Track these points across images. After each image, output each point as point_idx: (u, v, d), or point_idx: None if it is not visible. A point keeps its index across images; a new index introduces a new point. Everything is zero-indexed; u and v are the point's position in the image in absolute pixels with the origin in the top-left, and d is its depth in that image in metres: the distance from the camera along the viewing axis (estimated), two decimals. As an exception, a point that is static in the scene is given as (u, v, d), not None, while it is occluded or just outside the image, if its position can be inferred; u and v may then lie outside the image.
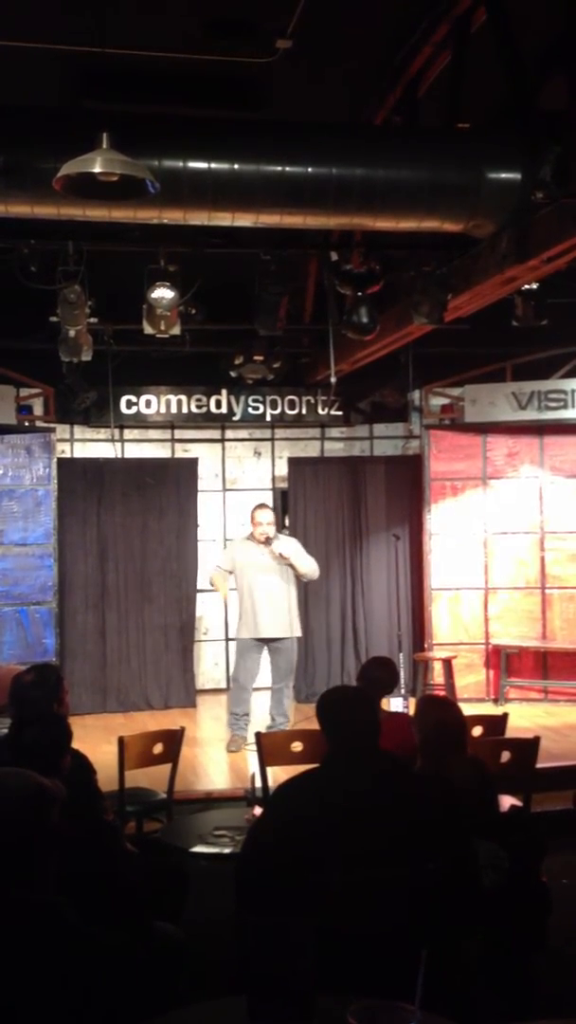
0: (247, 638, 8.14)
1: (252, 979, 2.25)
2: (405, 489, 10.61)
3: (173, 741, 5.64)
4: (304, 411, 10.77)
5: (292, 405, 10.73)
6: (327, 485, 10.67)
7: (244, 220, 5.72)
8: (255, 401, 10.62)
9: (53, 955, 2.30)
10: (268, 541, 8.08)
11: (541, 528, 10.12)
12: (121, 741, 5.37)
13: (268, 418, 10.72)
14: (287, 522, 10.70)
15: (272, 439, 11.09)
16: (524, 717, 8.87)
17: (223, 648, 10.79)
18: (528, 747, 5.26)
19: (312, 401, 10.75)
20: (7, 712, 4.68)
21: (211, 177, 5.40)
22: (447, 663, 9.64)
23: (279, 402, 10.68)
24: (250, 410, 10.63)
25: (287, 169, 5.47)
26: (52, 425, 9.85)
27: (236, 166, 5.41)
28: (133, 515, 10.20)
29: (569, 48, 5.33)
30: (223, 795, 6.78)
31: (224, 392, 10.52)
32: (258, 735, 5.59)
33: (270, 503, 10.75)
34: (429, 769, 3.84)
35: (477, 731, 5.59)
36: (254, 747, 5.69)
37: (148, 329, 7.72)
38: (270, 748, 5.48)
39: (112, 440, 10.48)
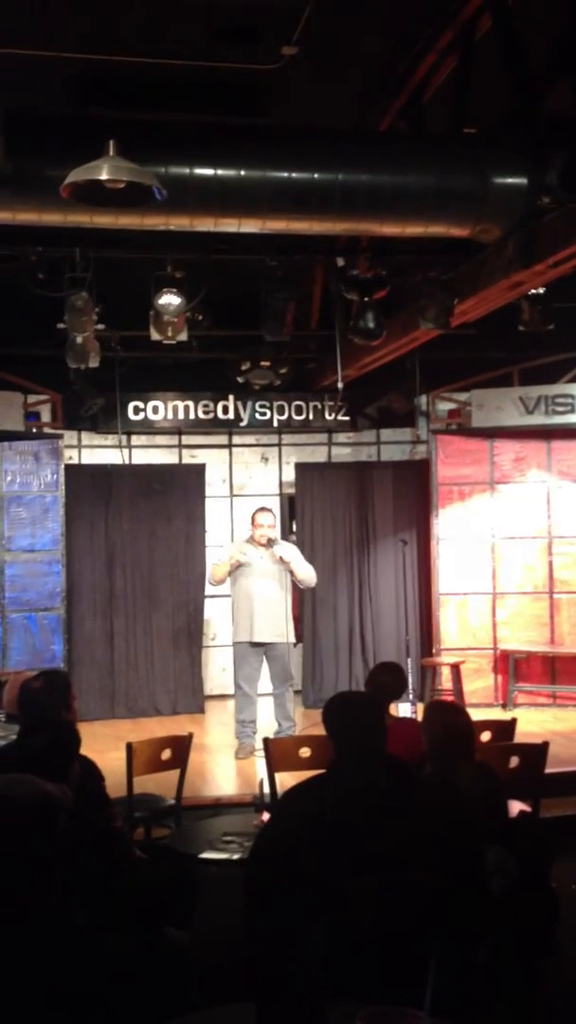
0: (243, 642, 8.12)
1: (260, 985, 2.25)
2: (412, 494, 10.60)
3: (181, 747, 5.64)
4: (311, 417, 10.78)
5: (299, 411, 10.74)
6: (334, 490, 10.67)
7: (250, 226, 5.72)
8: (262, 407, 10.64)
9: (61, 961, 2.30)
10: (269, 543, 8.06)
11: (549, 533, 10.11)
12: (129, 747, 5.37)
13: (275, 424, 10.74)
14: (294, 527, 10.70)
15: (279, 445, 11.11)
16: (533, 722, 8.85)
17: (230, 654, 10.76)
18: (537, 752, 5.24)
19: (319, 407, 10.77)
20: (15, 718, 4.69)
21: (217, 183, 5.41)
22: (455, 668, 9.63)
23: (286, 408, 10.70)
24: (257, 416, 10.65)
25: (293, 175, 5.48)
26: (60, 431, 9.88)
27: (242, 172, 5.42)
28: (141, 521, 10.21)
29: (574, 53, 5.33)
30: (231, 801, 6.77)
31: (231, 398, 10.54)
32: (266, 741, 5.59)
33: (276, 509, 10.76)
34: (438, 775, 3.83)
35: (486, 736, 5.58)
36: (261, 754, 5.69)
37: (155, 335, 7.73)
38: (278, 754, 5.47)
39: (119, 446, 10.50)
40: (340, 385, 9.14)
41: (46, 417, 9.94)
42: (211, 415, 10.56)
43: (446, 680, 9.79)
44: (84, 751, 3.76)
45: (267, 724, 8.29)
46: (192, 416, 10.53)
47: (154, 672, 10.13)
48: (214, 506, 10.73)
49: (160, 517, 10.27)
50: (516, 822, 3.95)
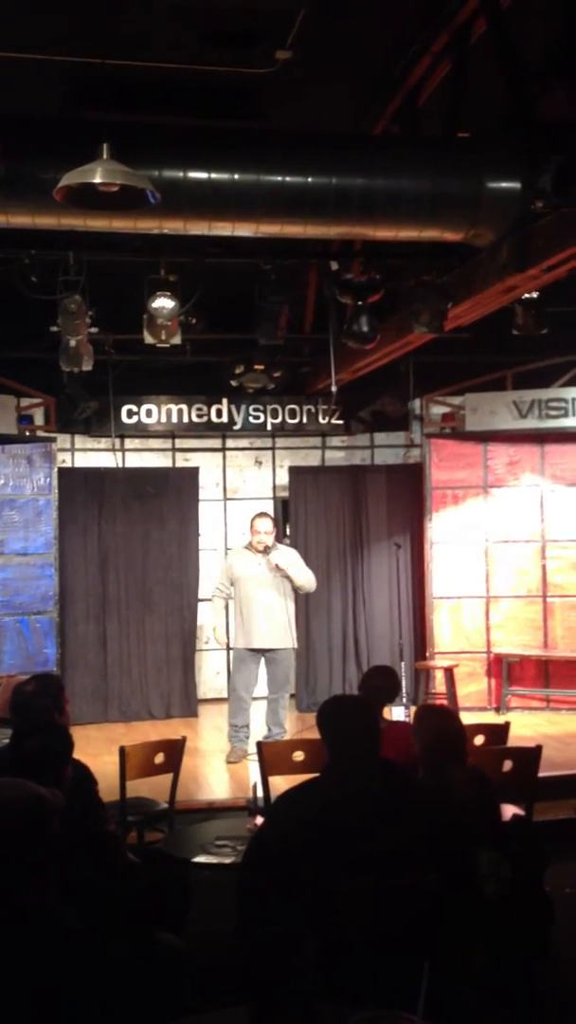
0: (243, 648, 8.12)
1: (254, 989, 2.24)
2: (406, 498, 10.61)
3: (174, 751, 5.63)
4: (305, 420, 10.78)
5: (293, 414, 10.74)
6: (328, 494, 10.67)
7: (244, 230, 5.73)
8: (256, 410, 10.63)
9: (54, 966, 2.29)
10: (266, 550, 8.06)
11: (542, 537, 10.12)
12: (122, 751, 5.36)
13: (269, 427, 10.73)
14: (288, 531, 10.70)
15: (273, 448, 11.10)
16: (526, 726, 8.86)
17: (224, 657, 10.77)
18: (530, 756, 5.24)
19: (313, 410, 10.76)
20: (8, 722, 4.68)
21: (211, 187, 5.41)
22: (449, 672, 9.63)
23: (280, 411, 10.69)
24: (251, 419, 10.64)
25: (287, 179, 5.48)
26: (53, 435, 9.86)
27: (236, 176, 5.42)
28: (134, 524, 10.20)
29: (569, 58, 5.35)
30: (225, 805, 6.77)
31: (225, 401, 10.52)
32: (259, 745, 5.58)
33: (271, 512, 10.75)
34: (431, 779, 3.83)
35: (479, 740, 5.58)
36: (254, 758, 5.68)
37: (149, 339, 7.72)
38: (271, 758, 5.46)
39: (113, 450, 10.50)
40: (334, 389, 9.14)
41: (39, 420, 9.93)
42: (205, 418, 10.55)
43: (439, 684, 9.78)
44: (77, 755, 3.75)
45: (260, 729, 8.26)
46: (186, 419, 10.52)
47: (147, 676, 10.11)
48: (207, 510, 10.72)
49: (153, 520, 10.25)
50: (510, 826, 3.96)
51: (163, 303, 7.30)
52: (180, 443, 10.85)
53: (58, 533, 9.64)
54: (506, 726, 5.92)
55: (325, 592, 10.43)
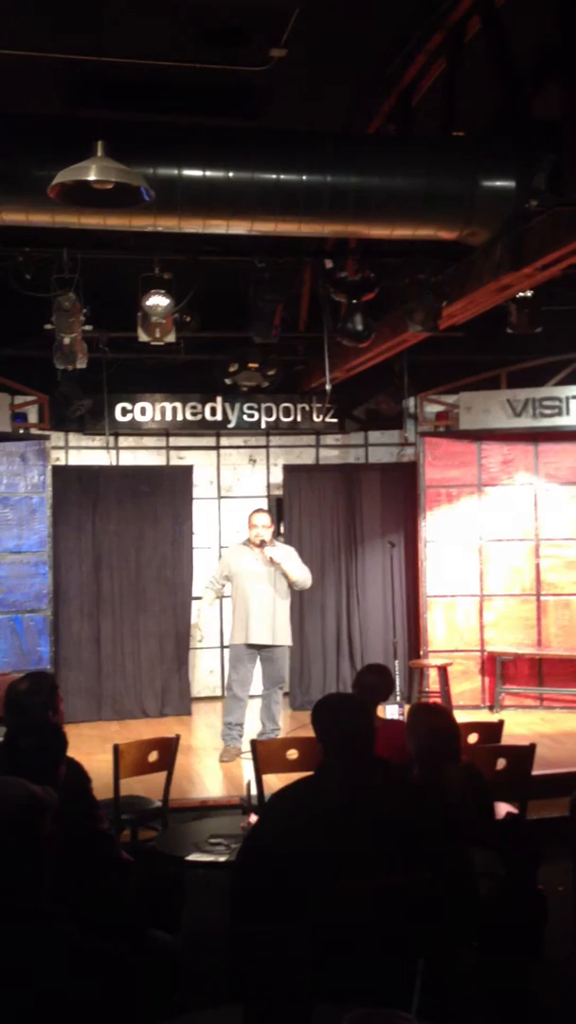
0: (240, 644, 8.12)
1: (248, 988, 2.25)
2: (400, 496, 10.61)
3: (168, 749, 5.62)
4: (299, 418, 10.78)
5: (287, 412, 10.74)
6: (322, 492, 10.67)
7: (239, 228, 5.73)
8: (250, 408, 10.64)
9: (47, 964, 2.29)
10: (262, 544, 8.07)
11: (536, 535, 10.13)
12: (116, 749, 5.36)
13: (263, 425, 10.74)
14: (283, 529, 10.70)
15: (267, 446, 11.10)
16: (520, 724, 8.87)
17: (218, 656, 10.78)
18: (524, 754, 5.25)
19: (307, 408, 10.77)
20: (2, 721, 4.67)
21: (206, 185, 5.41)
22: (443, 670, 9.64)
23: (274, 409, 10.70)
24: (245, 417, 10.65)
25: (282, 177, 5.48)
26: (47, 433, 9.85)
27: (231, 174, 5.42)
28: (128, 523, 10.19)
29: (563, 57, 5.35)
30: (218, 803, 6.76)
31: (219, 399, 10.53)
32: (253, 743, 5.58)
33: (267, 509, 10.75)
34: (425, 777, 3.83)
35: (473, 738, 5.59)
36: (248, 756, 5.67)
37: (143, 337, 7.72)
38: (265, 756, 5.47)
39: (107, 448, 10.49)
40: (328, 387, 9.15)
41: (33, 418, 9.91)
42: (199, 417, 10.55)
43: (433, 682, 9.79)
44: (71, 753, 3.75)
45: (253, 726, 8.27)
46: (180, 417, 10.52)
47: (141, 674, 10.11)
48: (202, 508, 10.72)
49: (147, 519, 10.25)
50: (503, 824, 3.96)
51: (157, 301, 7.30)
52: (174, 441, 10.85)
53: (52, 531, 9.63)
54: (500, 724, 5.93)
55: (319, 590, 10.44)
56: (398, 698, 9.12)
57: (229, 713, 8.15)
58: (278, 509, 10.88)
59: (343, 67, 6.37)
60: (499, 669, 9.80)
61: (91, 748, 7.35)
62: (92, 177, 4.13)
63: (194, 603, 9.98)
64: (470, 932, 3.19)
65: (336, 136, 6.34)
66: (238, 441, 11.02)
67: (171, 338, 7.81)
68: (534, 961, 3.62)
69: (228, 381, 9.94)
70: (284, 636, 8.14)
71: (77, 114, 6.30)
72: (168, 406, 10.45)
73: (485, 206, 5.69)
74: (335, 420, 10.91)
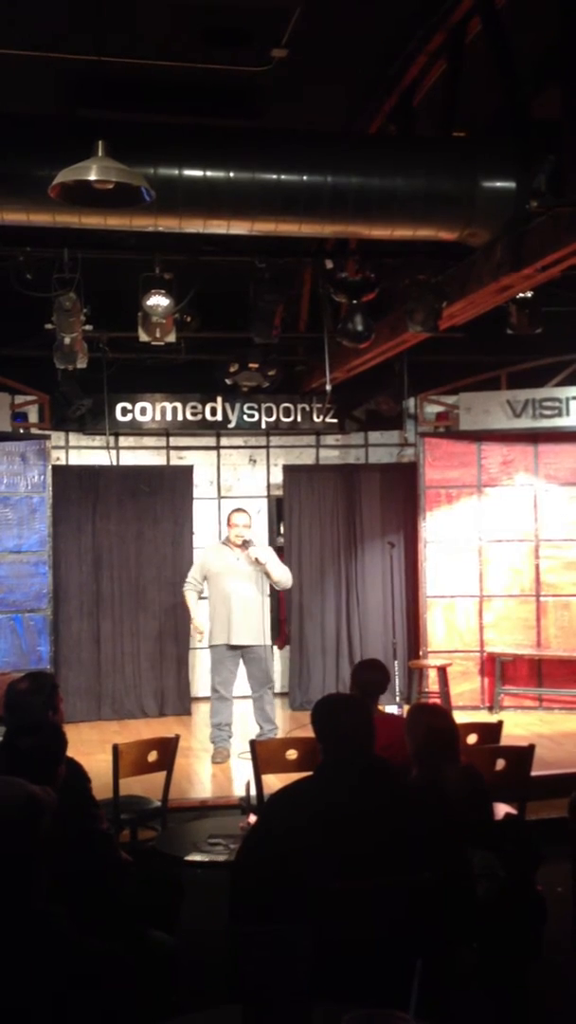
0: (221, 645, 8.02)
1: (247, 988, 2.25)
2: (400, 497, 10.61)
3: (168, 749, 5.62)
4: (299, 419, 10.79)
5: (287, 413, 10.75)
6: (322, 493, 10.67)
7: (239, 228, 5.73)
8: (250, 409, 10.64)
9: (45, 965, 2.29)
10: (244, 545, 8.03)
11: (536, 536, 10.13)
12: (116, 749, 5.35)
13: (263, 426, 10.74)
14: (282, 530, 10.70)
15: (267, 447, 11.10)
16: (519, 725, 8.87)
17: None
18: (523, 755, 5.25)
19: (307, 409, 10.77)
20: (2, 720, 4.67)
21: (206, 185, 5.42)
22: (442, 671, 9.64)
23: (274, 410, 10.71)
24: (245, 418, 10.65)
25: (282, 177, 5.48)
26: (47, 432, 9.85)
27: (231, 174, 5.43)
28: (128, 523, 10.19)
29: (563, 58, 5.35)
30: (218, 803, 6.76)
31: (219, 400, 10.53)
32: (252, 743, 5.57)
33: (264, 511, 10.83)
34: (424, 778, 3.83)
35: (472, 739, 5.58)
36: (243, 756, 5.66)
37: (143, 337, 7.72)
38: (265, 756, 5.46)
39: (107, 447, 10.49)
40: (328, 387, 9.15)
41: (33, 418, 9.92)
42: (199, 417, 10.56)
43: (432, 683, 9.79)
44: (70, 753, 3.75)
45: (249, 729, 8.25)
46: (180, 418, 10.52)
47: (141, 674, 10.11)
48: (202, 508, 10.72)
49: (147, 519, 10.25)
50: (502, 825, 3.96)
51: (158, 301, 7.30)
52: (174, 441, 10.85)
53: (52, 531, 9.63)
54: (499, 725, 5.93)
55: (319, 591, 10.45)
56: (398, 698, 9.14)
57: (216, 714, 8.08)
58: (278, 509, 10.89)
59: (344, 67, 6.37)
60: (498, 670, 9.80)
61: (91, 748, 7.35)
62: (93, 177, 4.13)
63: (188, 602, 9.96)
64: (469, 932, 3.19)
65: (336, 136, 6.35)
66: (238, 441, 11.02)
67: (171, 338, 7.81)
68: (533, 961, 3.62)
69: (228, 381, 9.94)
70: (264, 635, 8.10)
71: (77, 114, 6.30)
72: (168, 406, 10.46)
73: (485, 207, 5.69)
74: (335, 420, 10.92)
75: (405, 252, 7.10)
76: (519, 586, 10.13)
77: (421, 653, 10.13)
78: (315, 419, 10.81)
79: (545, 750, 7.45)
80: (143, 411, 10.40)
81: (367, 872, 2.89)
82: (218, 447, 10.99)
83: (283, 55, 5.94)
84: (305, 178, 5.50)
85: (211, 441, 10.95)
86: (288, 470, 10.71)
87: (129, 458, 10.67)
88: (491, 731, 5.81)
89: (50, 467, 9.65)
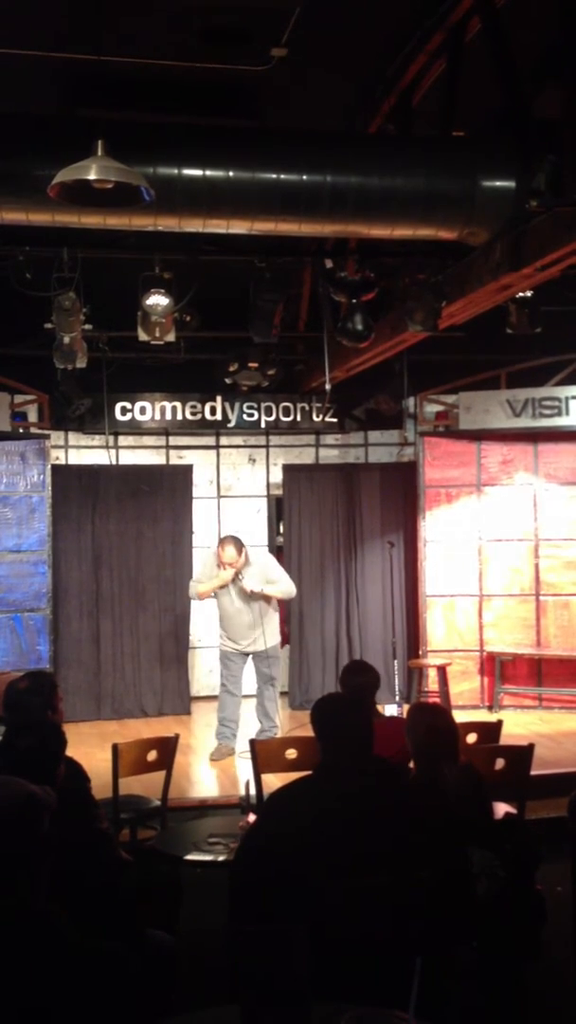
0: (229, 648, 8.19)
1: (246, 987, 2.25)
2: (399, 496, 10.61)
3: (167, 748, 5.63)
4: (299, 418, 10.79)
5: (287, 412, 10.75)
6: (322, 492, 10.67)
7: (239, 227, 5.73)
8: (250, 408, 10.64)
9: (45, 964, 2.29)
10: (236, 576, 7.96)
11: (535, 535, 10.13)
12: (115, 748, 5.36)
13: (263, 425, 10.74)
14: (281, 529, 10.70)
15: (267, 446, 11.10)
16: (519, 724, 8.87)
17: (217, 656, 10.76)
18: (523, 754, 5.25)
19: (307, 408, 10.77)
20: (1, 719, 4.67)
21: (206, 184, 5.41)
22: (442, 670, 9.64)
23: (274, 409, 10.71)
24: (245, 417, 10.65)
25: (282, 177, 5.48)
26: (47, 432, 9.84)
27: (231, 174, 5.42)
28: (128, 522, 10.19)
29: (563, 58, 5.35)
30: (217, 802, 6.77)
31: (219, 399, 10.53)
32: (252, 742, 5.58)
33: (263, 510, 10.80)
34: (424, 777, 3.83)
35: (472, 738, 5.59)
36: (242, 756, 5.66)
37: (143, 336, 7.72)
38: (264, 755, 5.47)
39: (107, 447, 10.49)
40: (328, 387, 9.15)
41: (33, 417, 9.92)
42: (199, 416, 10.56)
43: (432, 682, 9.79)
44: (70, 752, 3.75)
45: (251, 726, 8.26)
46: (179, 417, 10.52)
47: (140, 673, 10.11)
48: (201, 507, 10.72)
49: (147, 518, 10.25)
50: (502, 824, 3.96)
51: (157, 300, 7.30)
52: (174, 440, 10.85)
53: (51, 530, 9.63)
54: (499, 724, 5.93)
55: (318, 590, 10.45)
56: (397, 698, 9.14)
57: (223, 708, 8.17)
58: (277, 509, 10.89)
59: (343, 67, 6.37)
60: (498, 669, 9.80)
61: (90, 747, 7.35)
62: (92, 176, 4.13)
63: (195, 606, 9.94)
64: (468, 932, 3.19)
65: (336, 136, 6.35)
66: (238, 440, 11.02)
67: (171, 337, 7.81)
68: (533, 961, 3.63)
69: (228, 381, 9.94)
70: (270, 640, 8.13)
71: (77, 114, 6.29)
72: (168, 405, 10.46)
73: (485, 206, 5.69)
74: (335, 420, 10.92)
75: (405, 251, 7.09)
76: (519, 585, 10.13)
77: (421, 652, 10.13)
78: (315, 418, 10.81)
79: (545, 749, 7.45)
80: (143, 410, 10.40)
81: (366, 871, 2.89)
82: (218, 446, 10.99)
83: (283, 55, 5.94)
84: (305, 178, 5.50)
85: (211, 440, 10.94)
86: (288, 469, 10.71)
87: (129, 457, 10.67)
88: (491, 730, 5.82)
89: (50, 466, 9.65)
